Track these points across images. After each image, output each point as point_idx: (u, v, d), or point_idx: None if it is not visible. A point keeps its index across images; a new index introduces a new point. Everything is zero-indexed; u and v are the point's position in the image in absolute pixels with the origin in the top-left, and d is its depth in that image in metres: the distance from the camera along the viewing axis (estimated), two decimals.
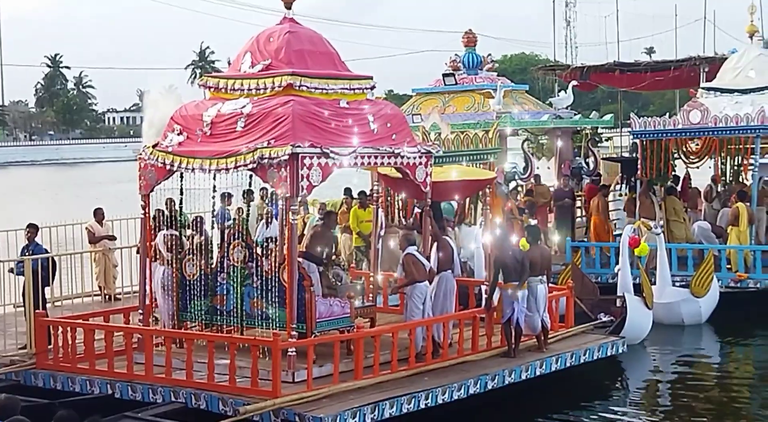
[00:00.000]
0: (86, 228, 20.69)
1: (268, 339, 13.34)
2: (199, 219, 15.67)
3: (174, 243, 15.12)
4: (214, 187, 15.47)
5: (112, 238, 20.66)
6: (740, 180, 25.22)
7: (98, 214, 20.68)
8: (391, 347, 14.17)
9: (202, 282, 14.89)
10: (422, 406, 13.42)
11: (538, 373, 15.24)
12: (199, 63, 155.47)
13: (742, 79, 25.59)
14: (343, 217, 21.63)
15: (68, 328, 14.93)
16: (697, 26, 44.82)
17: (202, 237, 15.30)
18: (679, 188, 24.75)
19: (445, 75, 26.77)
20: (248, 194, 16.70)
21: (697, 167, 24.22)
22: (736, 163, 25.14)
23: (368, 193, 19.99)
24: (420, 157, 15.11)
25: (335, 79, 14.56)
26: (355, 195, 22.04)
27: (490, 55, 27.89)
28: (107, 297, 20.07)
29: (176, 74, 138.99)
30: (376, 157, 14.50)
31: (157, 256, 15.28)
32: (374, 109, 14.76)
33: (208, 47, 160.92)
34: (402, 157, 14.81)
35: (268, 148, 13.30)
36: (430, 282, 15.14)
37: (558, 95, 29.35)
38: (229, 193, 20.38)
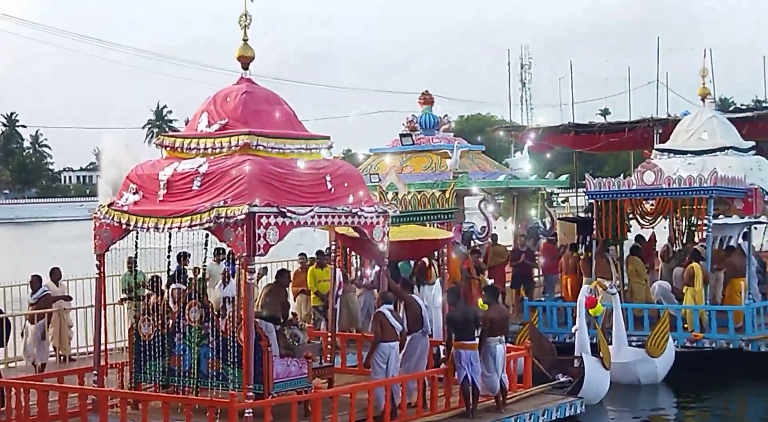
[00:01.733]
0: None
1: (224, 400, 13.21)
2: (156, 279, 15.58)
3: (182, 296, 14.88)
4: (170, 246, 15.41)
5: (68, 299, 20.40)
6: (694, 240, 25.45)
7: (55, 274, 20.41)
8: (350, 408, 14.06)
9: (159, 343, 14.75)
10: None
11: None
12: (156, 122, 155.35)
13: (695, 140, 25.97)
14: (299, 278, 21.54)
15: (21, 389, 14.70)
16: (650, 88, 45.38)
17: (159, 297, 15.21)
18: (642, 248, 24.90)
19: (402, 135, 26.95)
20: (220, 253, 16.53)
21: (652, 227, 24.41)
22: (690, 224, 25.35)
23: (325, 252, 19.99)
24: (377, 217, 15.12)
25: (292, 139, 14.60)
26: (312, 255, 21.96)
27: (446, 115, 28.13)
28: (62, 358, 19.79)
29: (133, 134, 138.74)
30: (333, 217, 14.50)
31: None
32: (331, 168, 14.80)
33: (165, 106, 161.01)
34: (359, 217, 14.82)
35: (225, 207, 13.28)
36: (402, 344, 15.09)
37: (514, 156, 29.59)
38: (186, 253, 20.24)
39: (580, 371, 18.23)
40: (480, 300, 16.58)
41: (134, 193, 14.48)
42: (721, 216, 24.53)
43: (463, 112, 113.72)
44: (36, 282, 19.02)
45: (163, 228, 13.94)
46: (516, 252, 25.58)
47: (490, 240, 25.52)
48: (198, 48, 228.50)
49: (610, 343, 19.76)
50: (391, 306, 15.23)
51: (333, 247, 17.30)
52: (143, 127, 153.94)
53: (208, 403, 13.35)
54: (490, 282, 21.65)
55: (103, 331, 15.08)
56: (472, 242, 25.12)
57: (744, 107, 63.85)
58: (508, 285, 25.09)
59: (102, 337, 15.05)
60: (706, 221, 22.55)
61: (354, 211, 14.69)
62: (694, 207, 22.70)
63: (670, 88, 46.21)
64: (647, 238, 26.22)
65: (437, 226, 19.23)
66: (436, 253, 19.09)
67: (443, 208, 19.68)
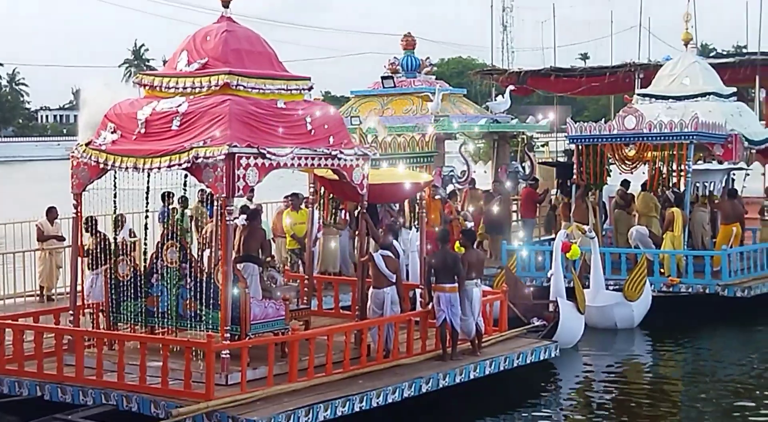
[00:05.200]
0: (36, 225, 20.41)
1: (201, 341, 13.20)
2: (91, 220, 15.47)
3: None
4: (148, 187, 15.29)
5: (61, 239, 20.30)
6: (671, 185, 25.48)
7: (51, 213, 20.34)
8: (326, 350, 14.09)
9: (135, 283, 14.69)
10: (356, 409, 13.37)
11: (472, 377, 15.26)
12: (134, 61, 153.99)
13: (677, 86, 25.97)
14: (278, 221, 21.48)
15: None
16: (632, 33, 45.21)
17: (98, 239, 15.17)
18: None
19: (383, 78, 26.79)
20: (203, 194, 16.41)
21: (632, 172, 24.44)
22: (670, 169, 25.34)
23: (303, 195, 19.94)
24: (357, 159, 15.05)
25: (273, 79, 14.46)
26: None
27: (428, 58, 27.95)
28: (47, 297, 19.74)
29: (111, 72, 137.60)
30: (312, 158, 14.42)
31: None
32: (312, 110, 14.69)
33: (143, 45, 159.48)
34: (339, 159, 14.73)
35: (204, 147, 13.17)
36: (399, 291, 15.32)
37: (495, 99, 29.49)
38: (170, 192, 20.14)
39: (555, 315, 18.33)
40: (457, 243, 16.59)
41: (112, 132, 14.33)
42: (700, 161, 24.57)
43: (445, 55, 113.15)
44: None
45: (142, 168, 13.81)
46: (488, 197, 25.55)
47: (468, 185, 25.49)
48: None
49: (588, 287, 19.90)
50: (387, 252, 15.22)
51: (311, 189, 17.23)
52: (120, 66, 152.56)
53: (185, 344, 13.33)
54: (469, 225, 21.67)
55: (79, 271, 15.03)
56: (451, 186, 25.08)
57: (725, 53, 63.74)
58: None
59: (78, 277, 15.00)
60: (686, 166, 22.57)
61: (334, 153, 14.60)
62: (675, 152, 22.72)
63: (652, 33, 46.14)
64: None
65: (417, 170, 19.17)
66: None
67: (423, 151, 19.63)
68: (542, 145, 38.34)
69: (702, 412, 15.63)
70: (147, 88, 14.68)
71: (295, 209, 20.84)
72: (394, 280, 15.22)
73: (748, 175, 26.70)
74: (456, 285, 15.28)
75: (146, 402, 12.94)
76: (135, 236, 18.51)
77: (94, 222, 15.46)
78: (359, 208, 15.79)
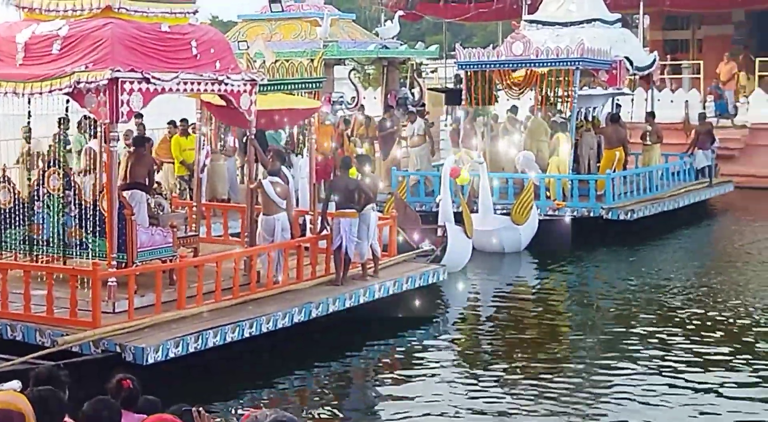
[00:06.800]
0: None
1: (87, 269, 13.02)
2: None
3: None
4: (30, 112, 14.92)
5: None
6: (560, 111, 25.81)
7: None
8: (215, 277, 14.02)
9: (17, 211, 14.37)
10: (246, 335, 13.37)
11: (361, 301, 15.36)
12: None
13: (564, 12, 26.18)
14: (164, 147, 21.17)
15: None
16: None
17: None
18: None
19: (271, 1, 26.46)
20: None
21: (518, 98, 24.67)
22: (556, 94, 25.65)
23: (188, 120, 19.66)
24: (244, 85, 14.87)
25: (156, 3, 14.10)
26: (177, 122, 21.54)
27: None
28: None
29: None
30: (199, 84, 14.19)
31: None
32: (197, 34, 14.41)
33: None
34: (226, 84, 14.52)
35: (86, 71, 12.86)
36: (289, 218, 15.25)
37: (384, 25, 29.39)
38: (65, 117, 19.57)
39: (443, 240, 18.53)
40: (352, 169, 16.60)
41: None
42: (585, 87, 24.90)
43: None
44: None
45: (22, 93, 13.42)
46: (383, 123, 25.63)
47: (358, 110, 25.47)
48: None
49: (476, 212, 20.13)
50: (276, 178, 15.14)
51: (199, 115, 17.01)
52: None
53: (69, 272, 13.13)
54: (360, 151, 21.69)
55: None
56: (341, 112, 25.04)
57: None
58: (378, 155, 25.19)
59: None
60: (571, 92, 22.84)
61: (220, 78, 14.39)
62: (561, 78, 22.97)
63: None
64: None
65: (305, 95, 19.03)
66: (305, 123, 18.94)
67: (311, 76, 19.46)
68: (431, 71, 38.38)
69: (588, 322, 16.32)
70: (26, 10, 14.22)
71: (184, 135, 20.54)
72: (283, 207, 15.17)
73: (633, 100, 27.19)
74: (355, 210, 15.31)
75: (31, 331, 12.74)
76: None
77: None
78: (247, 134, 15.67)
